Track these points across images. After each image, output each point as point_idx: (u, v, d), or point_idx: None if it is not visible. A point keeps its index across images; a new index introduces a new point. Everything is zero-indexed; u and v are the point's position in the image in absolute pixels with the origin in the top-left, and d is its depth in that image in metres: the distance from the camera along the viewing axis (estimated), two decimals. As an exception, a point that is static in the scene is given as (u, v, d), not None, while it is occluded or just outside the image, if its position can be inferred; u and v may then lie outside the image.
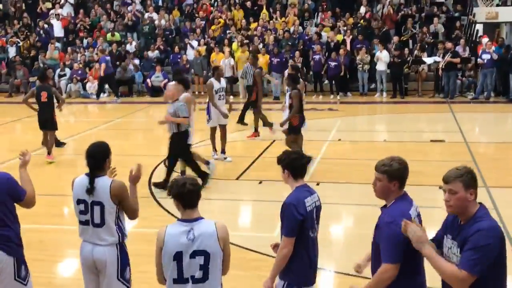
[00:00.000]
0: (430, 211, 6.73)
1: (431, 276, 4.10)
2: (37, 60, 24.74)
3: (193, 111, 11.13)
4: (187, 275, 4.18)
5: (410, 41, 23.25)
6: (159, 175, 10.96)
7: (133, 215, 5.20)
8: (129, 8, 27.12)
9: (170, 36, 25.45)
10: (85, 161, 5.10)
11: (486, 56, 20.28)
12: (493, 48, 20.59)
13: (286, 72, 15.60)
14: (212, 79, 12.42)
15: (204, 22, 25.75)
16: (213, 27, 25.20)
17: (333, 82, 22.03)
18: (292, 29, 24.24)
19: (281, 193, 4.87)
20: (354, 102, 21.24)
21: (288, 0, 26.68)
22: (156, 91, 22.44)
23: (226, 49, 22.67)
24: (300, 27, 24.41)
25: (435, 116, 18.25)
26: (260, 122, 14.97)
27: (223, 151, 12.55)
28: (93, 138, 13.50)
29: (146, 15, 26.63)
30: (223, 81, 12.87)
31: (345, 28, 23.82)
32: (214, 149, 12.65)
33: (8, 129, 17.87)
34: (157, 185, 10.50)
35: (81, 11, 27.34)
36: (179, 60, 23.17)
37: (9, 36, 26.62)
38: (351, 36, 23.10)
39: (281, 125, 11.62)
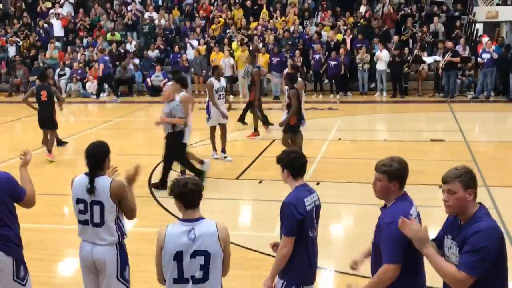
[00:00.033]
0: (431, 210, 6.72)
1: (431, 276, 4.10)
2: (37, 60, 24.75)
3: (190, 111, 11.12)
4: (187, 275, 4.17)
5: (410, 41, 23.24)
6: (159, 175, 10.95)
7: (131, 214, 5.19)
8: (129, 7, 27.13)
9: (170, 36, 25.46)
10: (85, 160, 5.09)
11: (486, 56, 20.28)
12: (493, 47, 20.59)
13: (286, 72, 15.58)
14: (212, 79, 12.42)
15: (204, 21, 25.74)
16: (213, 26, 25.20)
17: (333, 81, 22.04)
18: (292, 28, 24.24)
19: (281, 193, 4.87)
20: (354, 101, 21.24)
21: (288, -1, 26.70)
22: (156, 91, 22.40)
23: (226, 49, 22.67)
24: (300, 27, 24.40)
25: (435, 115, 18.24)
26: (260, 122, 14.97)
27: (223, 150, 12.55)
28: (93, 137, 13.50)
29: (146, 14, 26.63)
30: (223, 80, 12.89)
31: (345, 27, 23.82)
32: (214, 149, 12.64)
33: (8, 128, 17.87)
34: (155, 185, 10.50)
35: (81, 10, 27.34)
36: (179, 59, 23.16)
37: (9, 36, 26.63)
38: (351, 36, 23.09)
39: (280, 124, 11.61)
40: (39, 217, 8.57)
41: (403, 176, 4.18)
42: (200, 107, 14.42)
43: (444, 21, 23.76)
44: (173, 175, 10.81)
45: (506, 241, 3.82)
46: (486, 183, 10.11)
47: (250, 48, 22.39)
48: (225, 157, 12.53)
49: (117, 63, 23.81)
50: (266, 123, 15.24)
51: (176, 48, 23.78)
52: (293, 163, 4.79)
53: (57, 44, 25.70)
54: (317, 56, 22.01)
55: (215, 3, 26.92)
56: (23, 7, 28.70)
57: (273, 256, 4.87)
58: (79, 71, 23.97)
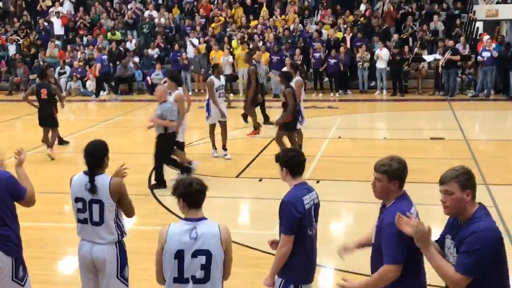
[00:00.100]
0: (431, 209, 6.73)
1: (431, 276, 4.09)
2: (37, 58, 24.75)
3: (185, 110, 11.10)
4: (187, 275, 4.15)
5: (410, 39, 23.24)
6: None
7: (131, 212, 5.19)
8: (129, 6, 27.12)
9: (170, 34, 25.46)
10: (84, 159, 5.08)
11: (486, 54, 20.27)
12: (493, 45, 20.57)
13: (285, 69, 15.59)
14: (212, 77, 12.43)
15: (204, 20, 25.74)
16: (213, 25, 25.19)
17: (333, 79, 22.03)
18: (292, 27, 24.23)
19: (281, 191, 4.86)
20: (354, 99, 21.24)
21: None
22: (156, 89, 22.41)
23: (226, 47, 22.66)
24: (300, 25, 24.39)
25: (435, 113, 18.24)
26: (260, 120, 14.98)
27: (224, 148, 12.56)
28: (93, 136, 13.53)
29: (146, 13, 26.62)
30: (223, 79, 12.90)
31: (345, 25, 23.81)
32: (214, 147, 12.65)
33: (8, 127, 17.87)
34: (154, 186, 10.48)
35: (81, 9, 27.33)
36: (178, 58, 23.16)
37: (9, 34, 26.61)
38: (351, 34, 23.08)
39: (276, 123, 11.60)
40: (39, 215, 8.57)
41: (403, 176, 4.16)
42: (200, 105, 14.42)
43: (444, 20, 23.74)
44: (173, 174, 10.82)
45: (506, 240, 3.82)
46: (486, 182, 10.12)
47: (250, 46, 22.38)
48: (225, 155, 12.53)
49: (117, 62, 23.81)
50: (267, 122, 15.27)
51: (176, 47, 23.76)
52: (291, 161, 4.78)
53: (57, 42, 25.70)
54: (317, 55, 22.00)
55: (215, 2, 26.93)
56: (23, 5, 28.70)
57: (273, 254, 4.88)
58: (79, 70, 23.98)
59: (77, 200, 5.06)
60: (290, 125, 11.35)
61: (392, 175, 4.11)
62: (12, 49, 25.87)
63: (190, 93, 22.29)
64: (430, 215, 7.57)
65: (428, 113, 18.44)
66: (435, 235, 4.19)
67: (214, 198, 9.71)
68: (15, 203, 4.99)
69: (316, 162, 12.04)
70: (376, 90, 21.97)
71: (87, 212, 5.02)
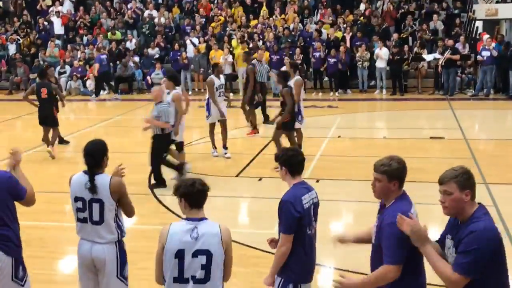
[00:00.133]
0: (430, 208, 6.74)
1: (432, 276, 4.10)
2: (37, 58, 24.75)
3: (183, 110, 11.09)
4: (187, 275, 4.15)
5: (410, 38, 23.24)
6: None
7: (131, 212, 5.20)
8: (129, 5, 27.12)
9: (170, 34, 25.46)
10: (83, 159, 5.08)
11: (485, 53, 20.27)
12: (493, 45, 20.57)
13: (284, 69, 15.59)
14: (213, 76, 12.44)
15: (204, 19, 25.74)
16: (212, 24, 25.19)
17: (333, 79, 22.03)
18: (292, 26, 24.23)
19: (281, 190, 4.87)
20: (353, 99, 21.24)
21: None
22: (156, 89, 22.41)
23: (226, 46, 22.66)
24: (300, 24, 24.39)
25: (435, 113, 18.25)
26: (260, 120, 14.99)
27: (224, 147, 12.57)
28: (93, 135, 13.54)
29: (146, 12, 26.63)
30: (222, 78, 12.92)
31: (345, 25, 23.80)
32: (214, 146, 12.66)
33: (8, 126, 17.87)
34: (154, 186, 10.49)
35: (81, 8, 27.34)
36: (178, 57, 23.16)
37: (9, 34, 26.62)
38: (350, 33, 23.08)
39: (276, 122, 11.59)
40: (39, 214, 8.58)
41: (403, 176, 4.15)
42: (200, 104, 14.42)
43: (443, 19, 23.74)
44: (173, 173, 10.82)
45: (505, 239, 3.82)
46: (486, 181, 10.13)
47: (250, 45, 22.37)
48: (225, 153, 12.55)
49: (118, 62, 23.81)
50: (267, 122, 15.29)
51: (176, 46, 23.77)
52: (291, 160, 4.79)
53: (57, 42, 25.70)
54: (317, 54, 22.00)
55: (215, 1, 26.93)
56: (23, 5, 28.70)
57: (272, 253, 4.89)
58: (79, 69, 23.98)
59: (76, 199, 5.06)
60: (288, 124, 11.33)
61: (392, 175, 4.10)
62: (12, 49, 25.87)
63: (190, 93, 22.37)
64: (430, 215, 7.59)
65: (427, 113, 18.45)
66: (435, 234, 4.20)
67: (214, 198, 9.68)
68: (15, 203, 4.98)
69: (316, 162, 12.05)
70: (376, 90, 21.97)
71: (87, 212, 5.02)
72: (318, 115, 17.37)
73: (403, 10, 24.54)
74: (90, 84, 23.53)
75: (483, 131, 16.37)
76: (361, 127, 16.89)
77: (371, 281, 4.09)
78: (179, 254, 4.13)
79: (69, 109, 20.19)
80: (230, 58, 22.24)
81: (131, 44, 24.85)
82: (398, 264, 3.95)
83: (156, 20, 25.93)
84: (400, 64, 21.27)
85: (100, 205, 4.98)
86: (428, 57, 21.43)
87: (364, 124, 17.41)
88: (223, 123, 12.47)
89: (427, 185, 9.24)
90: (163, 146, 10.35)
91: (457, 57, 20.68)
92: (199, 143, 14.15)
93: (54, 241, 8.30)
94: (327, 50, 22.18)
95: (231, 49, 22.77)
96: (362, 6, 25.07)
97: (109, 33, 25.62)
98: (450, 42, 20.94)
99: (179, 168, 10.57)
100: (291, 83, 11.86)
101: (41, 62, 23.90)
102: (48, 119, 13.10)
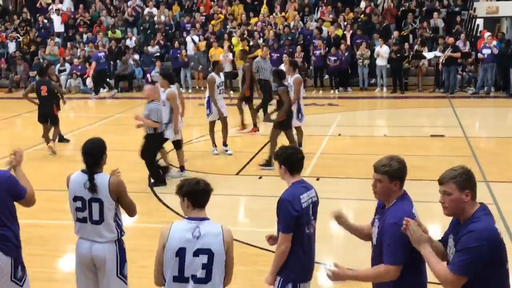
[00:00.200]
0: (430, 206, 6.71)
1: (433, 275, 4.08)
2: (37, 56, 24.74)
3: (178, 108, 11.05)
4: (188, 274, 4.12)
5: (411, 36, 23.23)
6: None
7: (132, 211, 5.19)
8: (129, 3, 27.11)
9: (169, 31, 25.44)
10: (82, 158, 5.06)
11: (486, 51, 20.25)
12: (494, 42, 20.55)
13: (283, 67, 15.57)
14: (213, 74, 12.43)
15: (204, 17, 25.71)
16: (212, 22, 25.16)
17: (333, 77, 22.01)
18: (292, 24, 24.20)
19: (281, 188, 4.86)
20: (354, 97, 21.23)
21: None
22: (156, 86, 22.38)
23: (226, 44, 22.64)
24: (301, 22, 24.37)
25: (435, 111, 18.24)
26: (260, 118, 14.94)
27: (224, 144, 12.57)
28: (93, 133, 13.48)
29: (146, 10, 26.60)
30: (222, 76, 12.92)
31: (345, 23, 23.78)
32: (214, 144, 12.64)
33: (8, 124, 17.87)
34: (154, 185, 10.47)
35: (81, 6, 27.33)
36: (178, 55, 23.14)
37: (9, 32, 26.60)
38: (351, 31, 23.05)
39: (272, 121, 11.58)
40: (39, 212, 8.56)
41: (403, 175, 4.13)
42: (200, 102, 14.40)
43: (444, 17, 23.72)
44: (174, 170, 10.82)
45: (506, 237, 3.80)
46: (486, 179, 10.12)
47: (251, 43, 22.33)
48: (226, 150, 12.55)
49: (117, 60, 23.79)
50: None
51: (176, 44, 23.75)
52: (290, 158, 4.77)
53: (57, 40, 25.69)
54: (317, 52, 21.98)
55: (215, -1, 26.92)
56: (23, 3, 28.70)
57: (272, 252, 4.88)
58: (79, 67, 23.97)
59: (75, 199, 5.05)
60: (284, 123, 11.28)
61: (393, 175, 4.08)
62: (12, 47, 25.87)
63: (190, 91, 22.36)
64: (430, 213, 7.57)
65: (428, 110, 18.44)
66: (435, 232, 4.18)
67: (214, 196, 9.68)
68: (15, 203, 4.96)
69: (316, 160, 12.04)
70: (376, 87, 21.96)
71: (86, 211, 5.01)
72: (319, 113, 17.36)
73: (403, 8, 24.54)
74: (90, 82, 23.53)
75: (484, 129, 16.35)
76: (361, 125, 16.88)
77: (367, 276, 4.09)
78: (180, 253, 4.10)
79: (69, 107, 20.16)
80: (230, 56, 22.21)
81: (131, 42, 24.83)
82: (398, 265, 3.94)
83: (156, 18, 25.90)
84: (401, 62, 21.25)
85: (99, 205, 4.97)
86: (429, 55, 21.41)
87: (364, 122, 17.40)
88: (224, 120, 12.46)
89: (427, 183, 9.24)
90: (156, 145, 10.35)
91: (457, 55, 20.66)
92: (199, 141, 14.13)
93: (54, 239, 8.29)
94: (327, 48, 22.16)
95: (232, 47, 22.74)
96: (363, 4, 25.06)
97: (109, 32, 25.59)
98: (450, 40, 20.92)
99: (164, 168, 10.53)
100: (290, 81, 11.84)
101: (41, 60, 23.88)
102: (48, 117, 13.10)
